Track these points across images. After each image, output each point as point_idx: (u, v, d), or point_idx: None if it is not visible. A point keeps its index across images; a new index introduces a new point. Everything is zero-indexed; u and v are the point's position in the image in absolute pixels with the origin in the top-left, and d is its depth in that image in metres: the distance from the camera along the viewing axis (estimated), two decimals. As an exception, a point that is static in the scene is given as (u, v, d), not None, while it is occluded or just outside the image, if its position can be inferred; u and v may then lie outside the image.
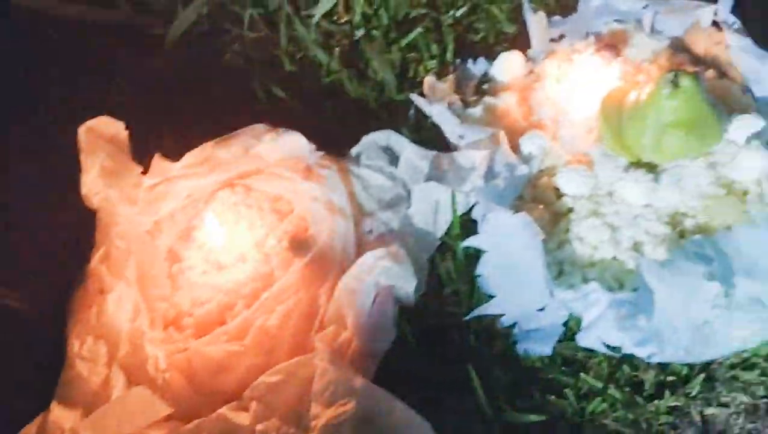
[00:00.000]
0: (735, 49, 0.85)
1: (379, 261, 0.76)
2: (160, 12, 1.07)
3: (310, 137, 0.86)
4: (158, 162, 0.86)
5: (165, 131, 0.95)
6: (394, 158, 0.87)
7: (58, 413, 0.73)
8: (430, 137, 0.89)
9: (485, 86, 0.94)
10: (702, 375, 0.71)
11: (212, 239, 0.84)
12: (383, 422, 0.66)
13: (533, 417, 0.70)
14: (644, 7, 0.91)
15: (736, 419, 0.71)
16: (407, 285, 0.77)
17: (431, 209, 0.81)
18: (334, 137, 0.91)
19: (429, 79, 0.92)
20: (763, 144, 0.78)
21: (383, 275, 0.76)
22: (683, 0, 0.90)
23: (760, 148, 0.77)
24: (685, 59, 0.88)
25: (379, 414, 0.67)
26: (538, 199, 0.82)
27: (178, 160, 0.87)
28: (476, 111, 0.90)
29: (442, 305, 0.78)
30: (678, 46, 0.90)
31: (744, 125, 0.78)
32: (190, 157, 0.87)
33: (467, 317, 0.76)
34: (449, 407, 0.72)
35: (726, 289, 0.70)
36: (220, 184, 0.86)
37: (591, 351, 0.73)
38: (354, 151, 0.88)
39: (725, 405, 0.71)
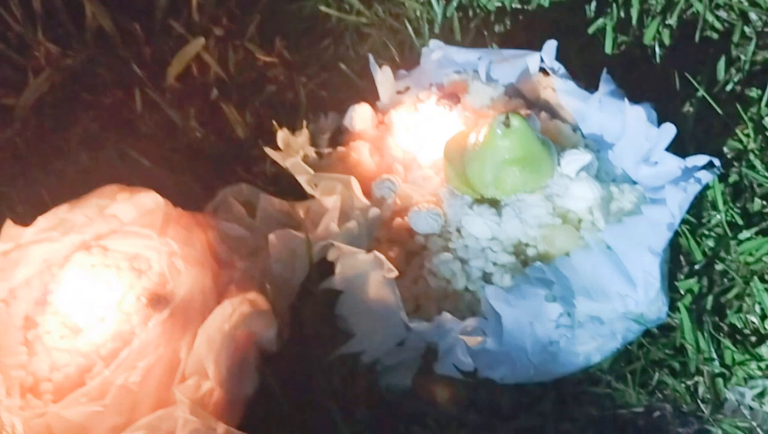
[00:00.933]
0: (561, 91, 0.92)
1: (238, 309, 0.77)
2: (12, 82, 1.06)
3: (165, 195, 0.87)
4: (9, 228, 0.84)
5: (18, 199, 0.94)
6: (251, 210, 0.88)
7: None
8: (287, 188, 0.92)
9: (338, 138, 0.98)
10: (553, 393, 0.75)
11: (69, 302, 0.83)
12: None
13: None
14: (479, 58, 0.97)
15: (587, 432, 0.75)
16: (268, 331, 0.78)
17: (289, 256, 0.83)
18: (191, 194, 0.92)
19: (282, 134, 0.95)
20: (591, 176, 0.84)
21: (242, 322, 0.76)
22: (512, 50, 0.97)
23: (589, 179, 0.83)
24: (519, 104, 0.94)
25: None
26: (392, 239, 0.85)
27: (30, 225, 0.85)
28: (330, 161, 0.94)
29: (305, 349, 0.79)
30: (513, 92, 0.96)
31: (574, 160, 0.85)
32: (43, 221, 0.86)
33: (330, 358, 0.77)
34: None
35: (567, 310, 0.75)
36: (76, 246, 0.85)
37: (449, 378, 0.76)
38: (211, 205, 0.89)
39: (576, 420, 0.75)
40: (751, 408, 0.75)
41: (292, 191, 0.91)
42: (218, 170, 0.97)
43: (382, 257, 0.78)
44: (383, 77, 0.99)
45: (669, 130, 0.82)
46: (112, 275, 0.84)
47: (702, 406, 0.76)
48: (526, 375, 0.74)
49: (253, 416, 0.74)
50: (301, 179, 0.90)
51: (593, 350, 0.76)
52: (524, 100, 0.96)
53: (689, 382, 0.76)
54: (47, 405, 0.76)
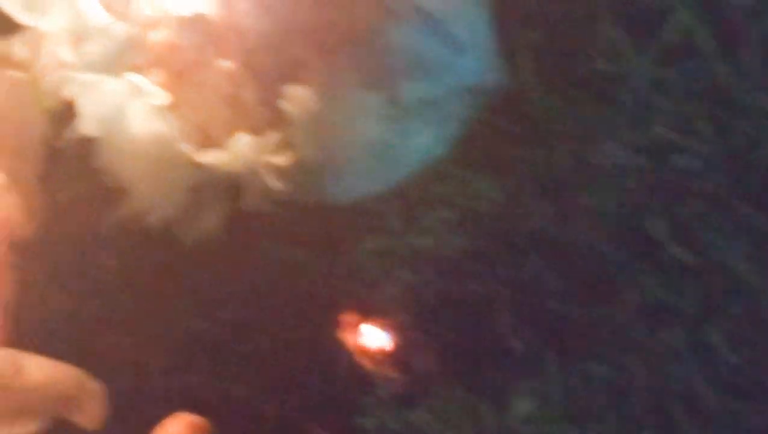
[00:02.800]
0: None
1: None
2: None
3: None
4: None
5: None
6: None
7: None
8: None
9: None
10: (398, 203, 0.60)
11: None
12: (15, 385, 0.48)
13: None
14: None
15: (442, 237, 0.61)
16: (15, 213, 0.57)
17: (15, 109, 0.61)
18: None
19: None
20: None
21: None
22: None
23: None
24: None
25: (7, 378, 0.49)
26: (152, 63, 0.64)
27: None
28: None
29: (69, 221, 0.60)
30: None
31: None
32: None
33: (106, 227, 0.58)
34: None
35: (391, 96, 0.59)
36: None
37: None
38: None
39: (430, 230, 0.61)
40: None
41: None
42: None
43: (141, 79, 0.59)
44: None
45: None
46: None
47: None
48: (362, 188, 0.59)
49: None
50: (8, 4, 0.66)
51: (434, 139, 0.61)
52: None
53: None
54: None
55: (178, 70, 0.64)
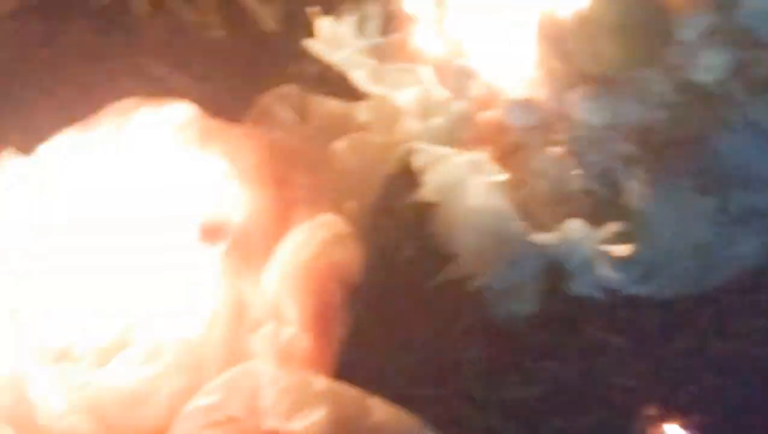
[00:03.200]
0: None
1: (315, 235, 0.62)
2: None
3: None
4: (10, 158, 0.68)
5: (9, 125, 0.77)
6: (303, 116, 0.73)
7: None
8: (336, 89, 0.76)
9: (390, 25, 0.81)
10: (711, 307, 0.62)
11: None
12: (363, 425, 0.53)
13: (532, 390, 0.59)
14: None
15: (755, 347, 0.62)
16: (352, 260, 0.63)
17: (361, 167, 0.67)
18: (221, 105, 0.75)
19: (323, 24, 0.78)
20: (720, 41, 0.69)
21: (323, 250, 0.61)
22: None
23: (716, 44, 0.68)
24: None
25: (356, 418, 0.53)
26: (479, 140, 0.70)
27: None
28: (384, 53, 0.77)
29: (395, 278, 0.65)
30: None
31: (694, 21, 0.69)
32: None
33: (430, 287, 0.63)
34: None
35: (721, 203, 0.61)
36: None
37: (583, 300, 0.62)
38: (252, 115, 0.73)
39: (739, 335, 0.62)
40: None
41: (344, 91, 0.75)
42: (248, 74, 0.81)
43: (483, 157, 0.63)
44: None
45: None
46: (144, 207, 0.68)
47: None
48: (681, 287, 0.60)
49: (347, 365, 0.60)
50: (358, 75, 0.73)
51: (755, 249, 0.62)
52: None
53: None
54: (88, 373, 0.61)
55: (505, 150, 0.69)
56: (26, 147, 0.68)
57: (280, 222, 0.65)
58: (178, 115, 0.69)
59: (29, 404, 0.59)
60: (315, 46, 0.76)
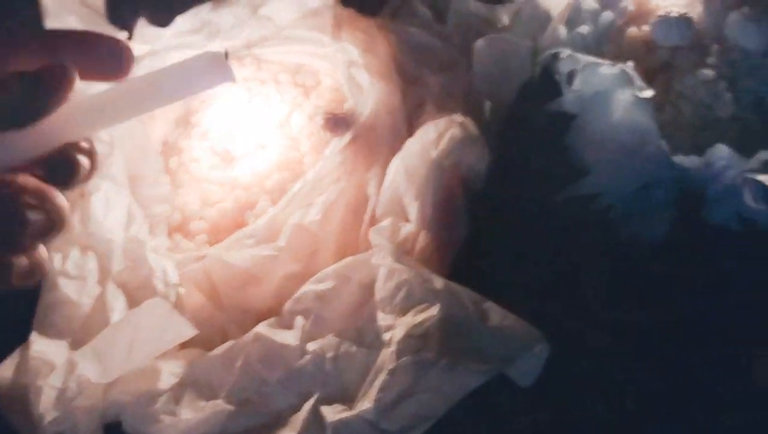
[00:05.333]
0: None
1: (445, 133, 0.60)
2: None
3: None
4: (143, 29, 0.68)
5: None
6: (439, 15, 0.70)
7: (41, 345, 0.56)
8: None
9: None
10: None
11: (218, 124, 0.67)
12: (479, 329, 0.51)
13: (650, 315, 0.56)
14: None
15: None
16: (479, 163, 0.61)
17: (498, 70, 0.64)
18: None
19: None
20: None
21: (451, 150, 0.59)
22: None
23: None
24: None
25: (472, 320, 0.52)
26: (624, 54, 0.66)
27: (166, 26, 0.69)
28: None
29: (521, 187, 0.62)
30: None
31: None
32: (182, 22, 0.69)
33: (556, 200, 0.60)
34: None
35: None
36: (223, 56, 0.68)
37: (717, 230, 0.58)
38: (387, 8, 0.71)
39: None
40: None
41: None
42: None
43: (633, 71, 0.59)
44: None
45: None
46: (270, 92, 0.67)
47: None
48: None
49: (462, 268, 0.58)
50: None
51: None
52: None
53: None
54: (202, 248, 0.62)
55: (652, 68, 0.65)
56: (163, 18, 0.67)
57: (409, 119, 0.64)
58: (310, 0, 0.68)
59: (145, 271, 0.59)
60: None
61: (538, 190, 0.62)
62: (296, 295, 0.56)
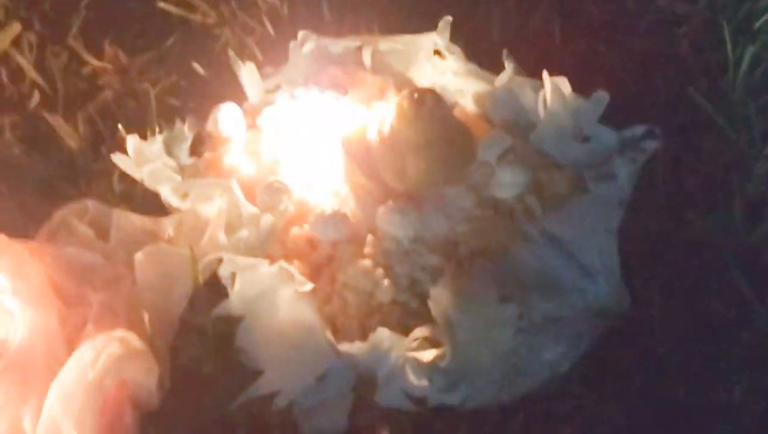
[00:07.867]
0: (462, 74, 0.80)
1: (103, 351, 0.57)
2: None
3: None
4: None
5: None
6: (101, 233, 0.69)
7: None
8: (143, 206, 0.73)
9: (201, 148, 0.80)
10: (519, 416, 0.61)
11: None
12: None
13: None
14: (359, 47, 0.84)
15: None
16: (147, 379, 0.58)
17: (162, 281, 0.64)
18: (13, 223, 0.70)
19: (133, 140, 0.75)
20: (517, 161, 0.72)
21: (112, 368, 0.56)
22: (398, 36, 0.84)
23: (514, 164, 0.72)
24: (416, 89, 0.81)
25: None
26: (290, 254, 0.68)
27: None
28: (196, 171, 0.76)
29: (196, 399, 0.60)
30: (403, 81, 0.83)
31: (493, 144, 0.73)
32: None
33: (232, 407, 0.59)
34: None
35: (522, 311, 0.62)
36: None
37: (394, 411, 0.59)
38: (46, 230, 0.68)
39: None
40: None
41: (150, 208, 0.72)
42: (46, 191, 0.76)
43: (290, 267, 0.62)
44: (249, 74, 0.83)
45: (600, 99, 0.72)
46: None
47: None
48: (489, 396, 0.59)
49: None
50: (164, 190, 0.71)
51: (560, 356, 0.63)
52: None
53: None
54: None
55: (316, 263, 0.68)
56: None
57: (69, 343, 0.60)
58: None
59: None
60: (122, 162, 0.73)
61: (212, 399, 0.60)
62: None
